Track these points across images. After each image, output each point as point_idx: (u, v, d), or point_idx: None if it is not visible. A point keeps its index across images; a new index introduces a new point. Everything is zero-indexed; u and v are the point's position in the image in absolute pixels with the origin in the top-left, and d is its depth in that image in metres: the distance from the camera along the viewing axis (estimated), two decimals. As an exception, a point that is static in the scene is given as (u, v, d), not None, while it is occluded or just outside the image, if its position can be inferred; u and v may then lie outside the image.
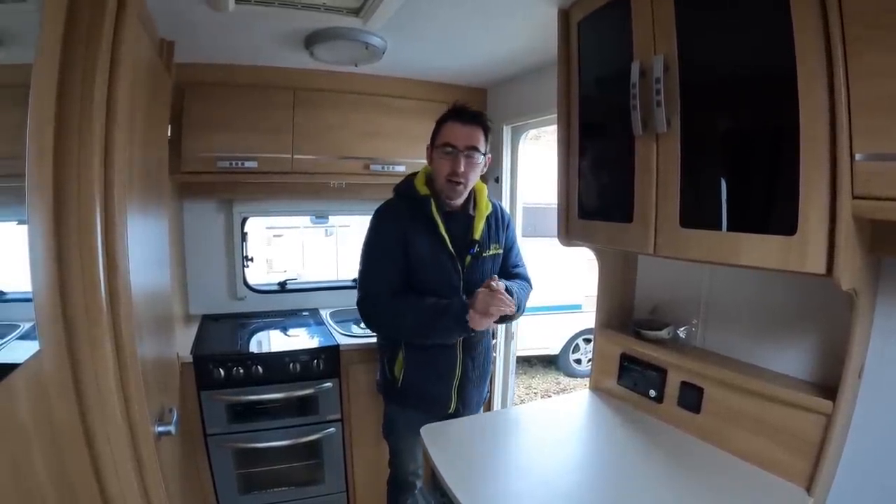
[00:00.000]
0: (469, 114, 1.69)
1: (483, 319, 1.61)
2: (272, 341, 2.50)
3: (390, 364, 1.82)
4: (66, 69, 0.82)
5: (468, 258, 1.74)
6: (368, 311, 1.71)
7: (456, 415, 1.81)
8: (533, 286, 1.92)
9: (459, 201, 1.76)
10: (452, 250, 1.71)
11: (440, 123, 1.73)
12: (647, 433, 1.49)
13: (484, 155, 1.71)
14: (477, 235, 1.76)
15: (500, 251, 1.86)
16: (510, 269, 1.91)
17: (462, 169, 1.65)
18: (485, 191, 1.82)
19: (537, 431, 1.57)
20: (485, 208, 1.79)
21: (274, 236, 7.17)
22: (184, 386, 2.04)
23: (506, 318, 1.72)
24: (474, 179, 1.72)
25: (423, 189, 1.73)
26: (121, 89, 0.92)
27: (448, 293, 1.69)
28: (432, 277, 1.70)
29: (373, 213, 1.79)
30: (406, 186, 1.78)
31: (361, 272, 1.75)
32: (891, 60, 0.81)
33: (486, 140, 1.71)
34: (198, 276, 2.77)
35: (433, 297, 1.66)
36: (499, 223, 1.86)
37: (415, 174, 1.80)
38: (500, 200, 2.64)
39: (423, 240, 1.69)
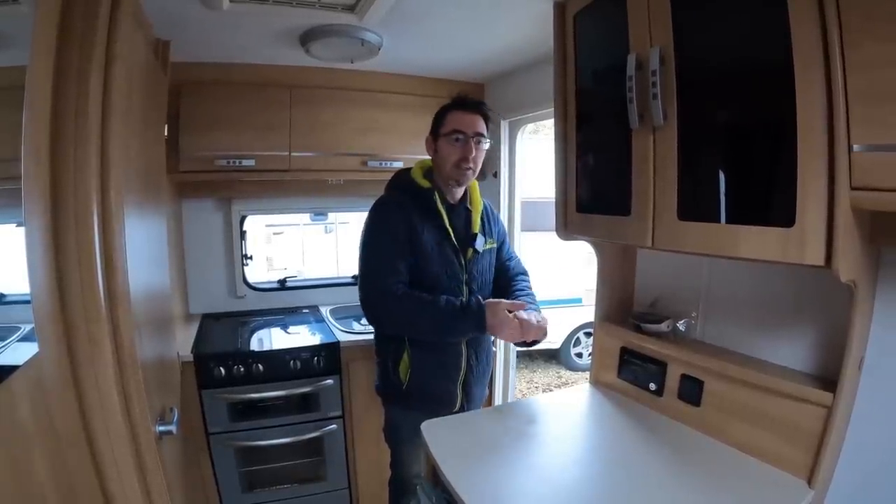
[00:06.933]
0: (472, 103, 1.73)
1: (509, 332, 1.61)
2: (273, 339, 2.51)
3: (395, 365, 1.78)
4: (61, 69, 0.81)
5: (470, 251, 1.76)
6: (378, 308, 1.66)
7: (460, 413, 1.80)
8: (529, 275, 1.94)
9: (459, 194, 1.79)
10: (456, 243, 1.72)
11: (443, 113, 1.74)
12: (647, 427, 1.49)
13: (489, 141, 1.75)
14: (476, 229, 1.79)
15: (495, 245, 1.89)
16: (504, 261, 1.93)
17: (473, 154, 1.69)
18: (478, 186, 1.85)
19: (538, 426, 1.57)
20: (479, 203, 1.83)
21: (274, 234, 7.19)
22: (185, 385, 2.04)
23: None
24: (480, 165, 1.75)
25: (423, 182, 1.74)
26: (116, 89, 0.92)
27: (453, 286, 1.70)
28: (438, 270, 1.69)
29: (370, 208, 1.76)
30: (405, 180, 1.78)
31: (367, 268, 1.69)
32: (889, 50, 0.81)
33: (488, 129, 1.75)
34: (197, 275, 2.77)
35: (444, 295, 1.64)
36: (490, 219, 1.89)
37: (407, 170, 1.81)
38: (499, 195, 2.65)
39: (429, 232, 1.69)
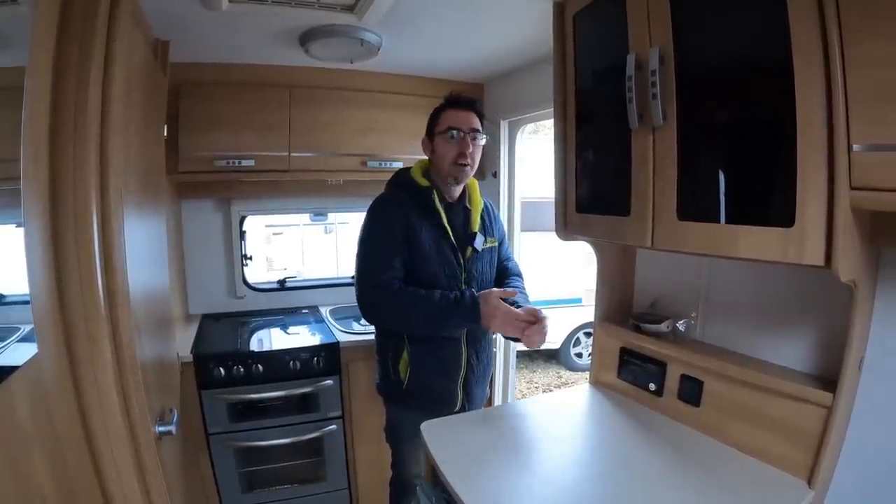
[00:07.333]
0: (466, 100, 1.75)
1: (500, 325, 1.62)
2: (272, 339, 2.51)
3: (395, 364, 1.79)
4: (60, 68, 0.81)
5: (469, 250, 1.76)
6: (374, 303, 1.67)
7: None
8: (524, 278, 1.95)
9: (458, 192, 1.79)
10: (454, 242, 1.72)
11: (437, 113, 1.76)
12: (647, 427, 1.49)
13: (485, 137, 1.77)
14: (476, 228, 1.79)
15: (495, 244, 1.89)
16: (502, 260, 1.94)
17: (470, 149, 1.70)
18: (477, 185, 1.86)
19: (538, 426, 1.58)
20: (479, 202, 1.83)
21: (273, 234, 7.18)
22: (184, 385, 2.04)
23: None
24: (477, 162, 1.76)
25: (422, 181, 1.75)
26: (115, 88, 0.92)
27: (451, 285, 1.70)
28: (436, 269, 1.70)
29: (370, 205, 1.76)
30: (404, 179, 1.79)
31: (364, 264, 1.70)
32: (889, 49, 0.81)
33: (483, 125, 1.76)
34: (197, 275, 2.77)
35: (438, 290, 1.65)
36: (490, 218, 1.90)
37: (407, 169, 1.82)
38: (498, 195, 2.65)
39: (428, 230, 1.70)
